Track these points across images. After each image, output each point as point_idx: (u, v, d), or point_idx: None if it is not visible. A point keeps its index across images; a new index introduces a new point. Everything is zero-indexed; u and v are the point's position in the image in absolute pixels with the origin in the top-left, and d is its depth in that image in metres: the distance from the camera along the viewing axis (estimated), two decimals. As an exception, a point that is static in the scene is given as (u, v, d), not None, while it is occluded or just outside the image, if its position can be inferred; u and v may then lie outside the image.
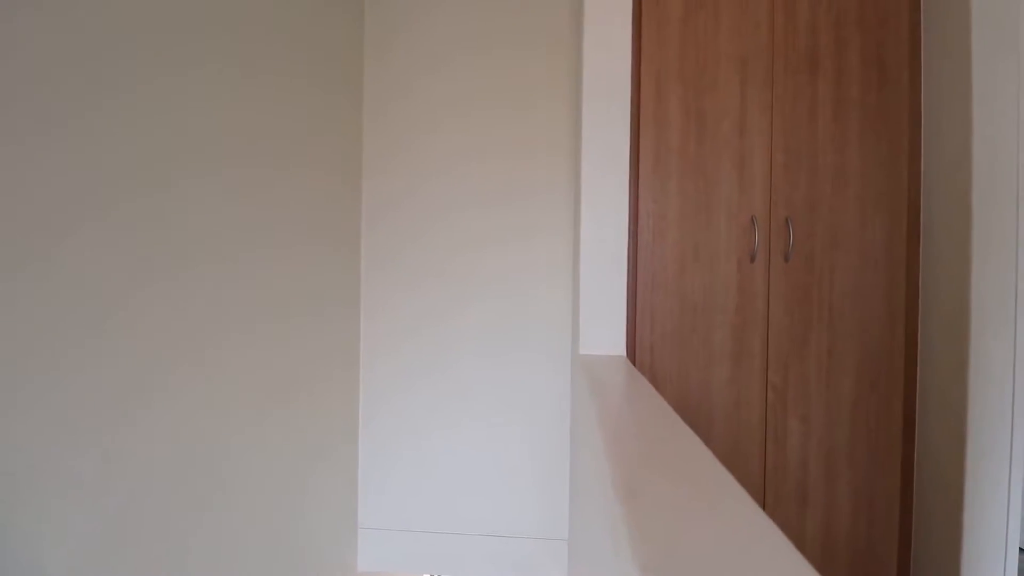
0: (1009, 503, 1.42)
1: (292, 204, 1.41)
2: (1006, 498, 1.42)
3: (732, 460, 1.55)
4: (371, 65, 1.91)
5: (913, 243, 1.52)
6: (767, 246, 1.54)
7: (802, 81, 1.53)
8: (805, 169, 1.53)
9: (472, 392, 1.87)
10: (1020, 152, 1.40)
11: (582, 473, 1.21)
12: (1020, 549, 2.19)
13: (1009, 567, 1.42)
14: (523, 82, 1.87)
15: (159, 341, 0.92)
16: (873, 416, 1.53)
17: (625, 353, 1.49)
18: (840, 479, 1.53)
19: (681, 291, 1.56)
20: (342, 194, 1.75)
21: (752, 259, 1.54)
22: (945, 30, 1.47)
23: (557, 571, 1.84)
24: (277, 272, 1.32)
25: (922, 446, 1.52)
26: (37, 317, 0.70)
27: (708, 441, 1.54)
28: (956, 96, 1.44)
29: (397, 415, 1.90)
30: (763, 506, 1.52)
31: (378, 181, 1.91)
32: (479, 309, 1.87)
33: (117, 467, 0.83)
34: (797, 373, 1.54)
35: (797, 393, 1.54)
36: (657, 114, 1.56)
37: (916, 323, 1.53)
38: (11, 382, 0.67)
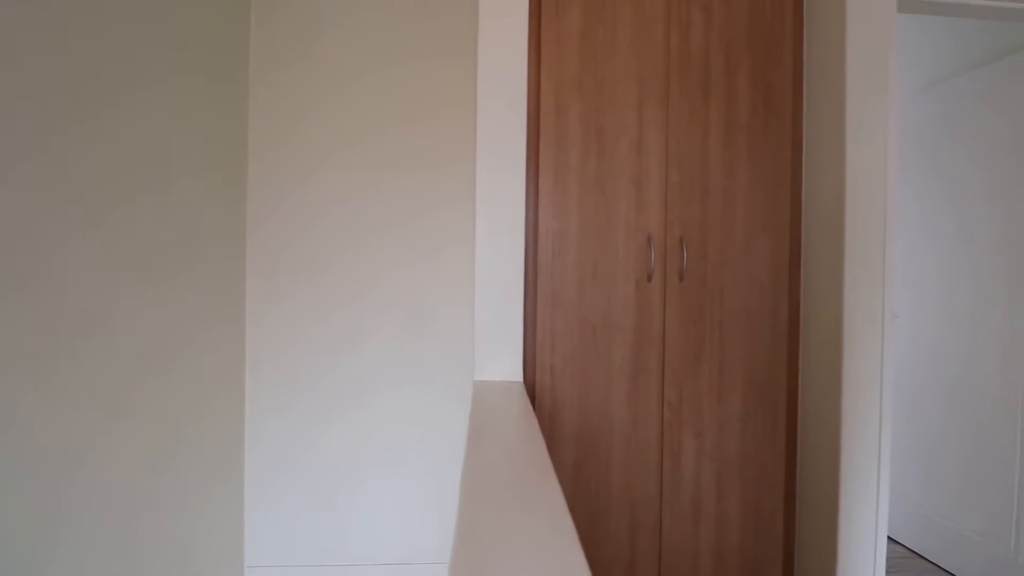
0: (878, 501, 1.52)
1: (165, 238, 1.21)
2: (875, 498, 1.52)
3: (631, 478, 1.55)
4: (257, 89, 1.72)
5: (795, 264, 1.60)
6: (663, 265, 1.55)
7: (696, 103, 1.56)
8: (698, 190, 1.56)
9: (371, 419, 1.74)
10: (888, 185, 1.50)
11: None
12: (889, 538, 2.40)
13: (879, 557, 1.52)
14: (426, 90, 1.76)
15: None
16: (760, 430, 1.58)
17: (523, 377, 1.44)
18: (731, 492, 1.58)
19: (581, 310, 1.53)
20: (225, 223, 1.55)
21: (649, 278, 1.54)
22: (825, 62, 1.55)
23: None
24: (149, 306, 1.13)
25: (803, 457, 1.61)
26: None
27: (609, 460, 1.53)
28: (833, 127, 1.52)
29: (287, 445, 1.73)
30: (659, 522, 1.53)
31: (266, 212, 1.72)
32: (380, 333, 1.74)
33: None
34: (691, 390, 1.56)
35: (691, 410, 1.57)
36: (558, 129, 1.53)
37: (797, 340, 1.60)
38: None
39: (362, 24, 1.73)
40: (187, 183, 1.35)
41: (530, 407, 1.03)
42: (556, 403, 1.53)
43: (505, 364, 1.37)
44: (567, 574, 0.43)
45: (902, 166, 2.30)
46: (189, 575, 1.36)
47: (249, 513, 1.71)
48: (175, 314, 1.29)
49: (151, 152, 1.20)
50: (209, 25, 1.47)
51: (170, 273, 1.26)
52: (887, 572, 2.10)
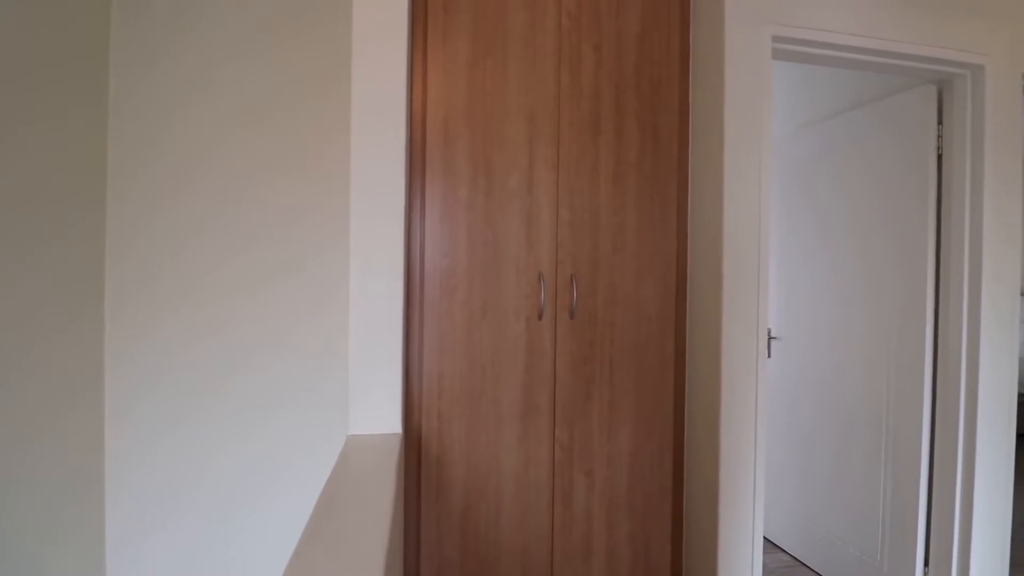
0: (753, 528, 1.59)
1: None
2: (750, 524, 1.59)
3: (523, 519, 1.52)
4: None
5: (681, 299, 1.64)
6: (554, 303, 1.53)
7: (586, 141, 1.55)
8: (588, 227, 1.55)
9: (236, 474, 1.58)
10: (761, 223, 1.57)
11: None
12: (776, 546, 2.55)
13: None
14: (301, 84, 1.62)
15: None
16: (648, 465, 1.61)
17: (407, 424, 1.36)
18: (620, 528, 1.59)
19: (470, 351, 1.48)
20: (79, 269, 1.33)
21: (540, 316, 1.52)
22: (706, 105, 1.60)
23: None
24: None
25: (689, 486, 1.65)
26: None
27: (499, 504, 1.49)
28: (713, 168, 1.57)
29: (152, 502, 1.53)
30: (551, 563, 1.50)
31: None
32: (243, 378, 1.57)
33: None
34: (582, 428, 1.56)
35: (582, 448, 1.56)
36: (445, 160, 1.46)
37: (684, 373, 1.64)
38: None
39: (229, 21, 1.57)
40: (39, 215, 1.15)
41: (392, 487, 0.96)
42: (443, 448, 1.47)
43: (382, 416, 1.28)
44: None
45: (784, 200, 2.46)
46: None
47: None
48: (25, 387, 1.09)
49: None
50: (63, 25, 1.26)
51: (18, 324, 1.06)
52: (770, 585, 2.23)
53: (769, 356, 2.52)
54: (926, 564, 1.86)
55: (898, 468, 1.92)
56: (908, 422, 1.88)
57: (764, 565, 2.35)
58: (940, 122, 1.83)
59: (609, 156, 1.57)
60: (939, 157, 1.83)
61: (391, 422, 1.29)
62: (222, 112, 1.55)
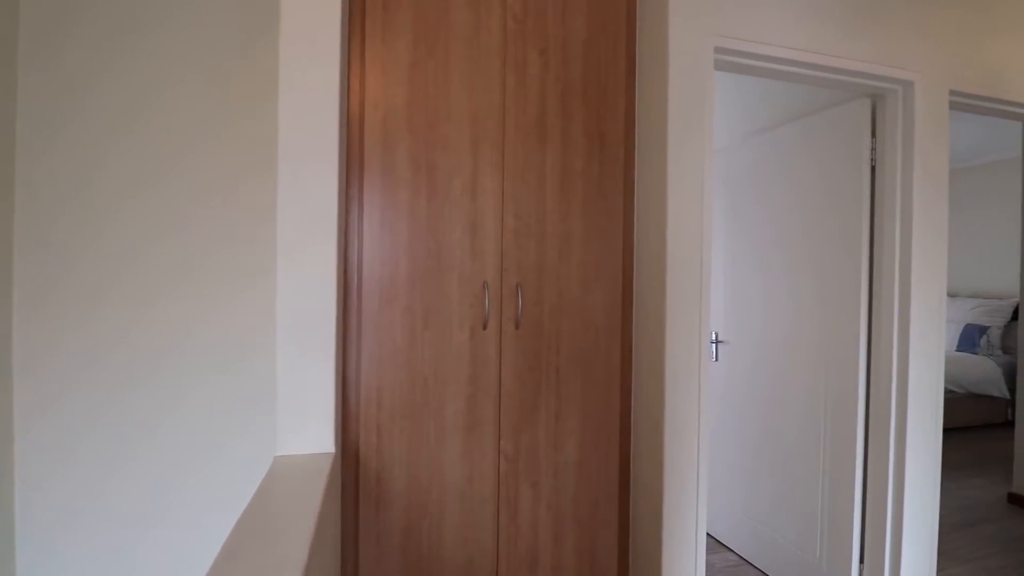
0: (697, 525, 1.60)
1: None
2: (693, 528, 1.60)
3: (467, 534, 1.47)
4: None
5: (628, 307, 1.63)
6: (499, 312, 1.49)
7: (532, 146, 1.52)
8: (534, 235, 1.53)
9: (140, 494, 1.48)
10: (703, 230, 1.58)
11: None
12: (723, 545, 2.60)
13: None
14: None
15: None
16: (595, 474, 1.59)
17: (338, 445, 1.30)
18: (566, 539, 1.57)
19: (412, 363, 1.43)
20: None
21: (484, 326, 1.48)
22: (651, 113, 1.60)
23: None
24: None
25: (635, 495, 1.65)
26: None
27: (442, 519, 1.44)
28: (657, 176, 1.57)
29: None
30: (497, 578, 1.46)
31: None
32: (159, 384, 1.47)
33: None
34: (528, 439, 1.53)
35: (528, 459, 1.53)
36: (385, 165, 1.40)
37: (630, 382, 1.64)
38: None
39: (163, 39, 1.46)
40: None
41: (314, 513, 0.90)
42: (384, 464, 1.41)
43: (314, 434, 1.21)
44: None
45: (735, 205, 2.51)
46: None
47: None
48: None
49: None
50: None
51: None
52: (715, 587, 2.27)
53: (716, 359, 2.57)
54: (861, 561, 1.93)
55: (836, 468, 1.98)
56: (844, 422, 1.95)
57: (712, 565, 2.40)
58: (874, 135, 1.90)
59: (556, 162, 1.55)
60: (872, 169, 1.90)
61: (323, 441, 1.22)
62: (138, 84, 1.43)
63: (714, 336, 2.60)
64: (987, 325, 4.83)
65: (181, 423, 1.45)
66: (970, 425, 4.51)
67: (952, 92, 1.88)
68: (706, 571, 2.36)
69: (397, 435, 1.42)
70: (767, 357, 2.31)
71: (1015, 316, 4.78)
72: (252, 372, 1.49)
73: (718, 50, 1.58)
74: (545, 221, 1.54)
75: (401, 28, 1.41)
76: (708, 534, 2.65)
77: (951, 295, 5.54)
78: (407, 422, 1.43)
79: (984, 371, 4.45)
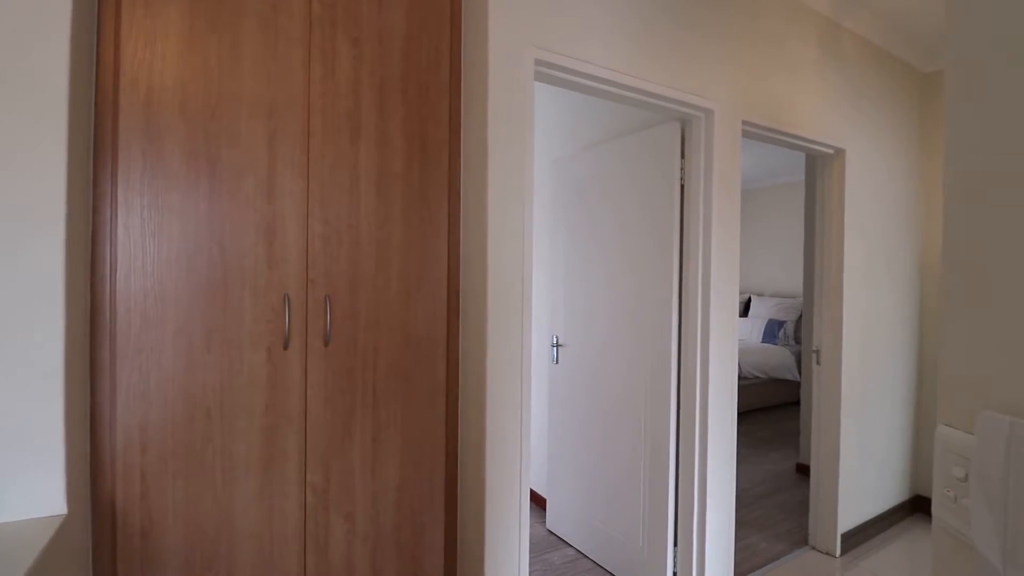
0: (520, 547, 1.60)
1: None
2: (517, 544, 1.59)
3: (269, 583, 1.29)
4: None
5: (454, 320, 1.57)
6: (304, 329, 1.33)
7: (344, 144, 1.38)
8: (347, 243, 1.39)
9: None
10: (524, 248, 1.58)
11: None
12: (564, 541, 2.68)
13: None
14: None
15: None
16: (418, 497, 1.51)
17: (72, 503, 1.04)
18: (387, 570, 1.46)
19: (190, 393, 1.20)
20: None
21: (285, 345, 1.31)
22: (473, 120, 1.56)
23: None
24: None
25: (463, 515, 1.59)
26: None
27: (232, 571, 1.24)
28: (478, 186, 1.54)
29: None
30: (306, 626, 1.30)
31: None
32: None
33: None
34: (340, 467, 1.39)
35: (341, 489, 1.39)
36: (149, 156, 1.16)
37: (456, 398, 1.58)
38: None
39: None
40: None
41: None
42: (152, 517, 1.17)
43: (37, 494, 0.95)
44: None
45: (567, 216, 2.61)
46: None
47: None
48: None
49: None
50: None
51: None
52: (560, 573, 2.33)
53: (557, 362, 2.65)
54: (675, 545, 2.11)
55: (654, 459, 2.14)
56: (660, 415, 2.11)
57: (551, 562, 2.47)
58: (683, 156, 2.08)
59: (371, 164, 1.42)
60: (682, 187, 2.09)
61: (49, 500, 0.96)
62: None
63: (555, 340, 2.68)
64: (784, 320, 5.75)
65: None
66: (770, 405, 5.33)
67: (744, 122, 2.13)
68: (544, 568, 2.42)
69: (170, 481, 1.18)
70: (598, 358, 2.43)
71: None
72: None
73: (539, 62, 1.59)
74: (359, 227, 1.41)
75: (171, -6, 1.18)
76: (552, 533, 2.73)
77: (757, 294, 6.51)
78: (183, 464, 1.20)
79: (781, 359, 5.27)
